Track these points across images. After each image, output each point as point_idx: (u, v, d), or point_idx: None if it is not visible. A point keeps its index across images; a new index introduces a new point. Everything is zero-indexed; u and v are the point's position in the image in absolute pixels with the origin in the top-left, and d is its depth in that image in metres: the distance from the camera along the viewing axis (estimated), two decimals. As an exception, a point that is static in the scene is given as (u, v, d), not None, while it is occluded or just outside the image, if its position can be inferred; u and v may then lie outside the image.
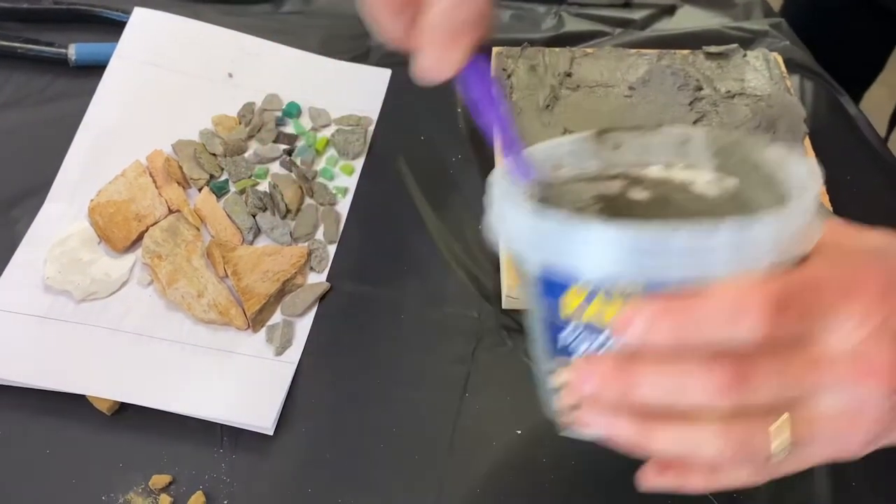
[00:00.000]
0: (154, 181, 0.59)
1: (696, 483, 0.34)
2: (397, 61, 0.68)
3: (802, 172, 0.33)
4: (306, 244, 0.58)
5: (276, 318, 0.55)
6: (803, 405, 0.31)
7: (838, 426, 0.31)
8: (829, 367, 0.30)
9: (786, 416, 0.31)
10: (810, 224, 0.31)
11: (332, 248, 0.58)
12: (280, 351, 0.53)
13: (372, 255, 0.58)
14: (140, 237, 0.57)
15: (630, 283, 0.30)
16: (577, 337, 0.33)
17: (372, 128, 0.64)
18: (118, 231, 0.57)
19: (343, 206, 0.60)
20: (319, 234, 0.58)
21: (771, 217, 0.29)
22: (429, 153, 0.63)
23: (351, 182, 0.61)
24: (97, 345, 0.52)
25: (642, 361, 0.31)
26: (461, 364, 0.52)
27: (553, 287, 0.32)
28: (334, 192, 0.60)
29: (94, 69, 0.65)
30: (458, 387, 0.51)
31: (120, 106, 0.63)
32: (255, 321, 0.54)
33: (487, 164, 0.62)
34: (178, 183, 0.59)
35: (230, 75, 0.65)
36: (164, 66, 0.65)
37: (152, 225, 0.57)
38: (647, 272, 0.30)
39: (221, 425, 0.50)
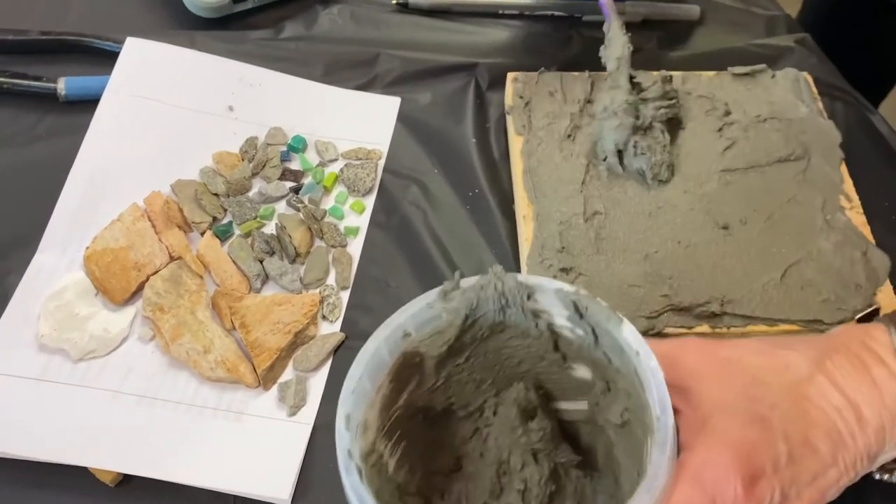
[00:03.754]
0: (153, 226, 0.56)
1: None
2: (405, 89, 0.65)
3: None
4: (317, 291, 0.54)
5: (288, 373, 0.51)
6: None
7: None
8: None
9: None
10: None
11: (344, 295, 0.55)
12: (294, 411, 0.49)
13: (387, 300, 0.54)
14: (140, 288, 0.53)
15: None
16: None
17: (382, 161, 0.61)
18: (116, 282, 0.53)
19: (355, 247, 0.57)
20: (331, 280, 0.55)
21: None
22: (443, 187, 0.60)
23: (362, 221, 0.58)
24: (97, 410, 0.48)
25: None
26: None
27: None
28: (345, 232, 0.57)
29: (86, 104, 0.61)
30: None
31: (114, 144, 0.59)
32: (266, 378, 0.50)
33: (505, 198, 0.59)
34: (178, 227, 0.56)
35: (230, 108, 0.62)
36: (160, 99, 0.61)
37: (153, 274, 0.54)
38: None
39: (234, 496, 0.46)
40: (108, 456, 0.46)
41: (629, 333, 0.38)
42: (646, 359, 0.37)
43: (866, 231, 0.55)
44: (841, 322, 0.51)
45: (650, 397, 0.37)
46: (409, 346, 0.41)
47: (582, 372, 0.44)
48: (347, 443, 0.36)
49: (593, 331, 0.40)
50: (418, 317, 0.41)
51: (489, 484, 0.43)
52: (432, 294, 0.41)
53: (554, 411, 0.46)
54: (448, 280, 0.41)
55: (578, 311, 0.40)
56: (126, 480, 0.47)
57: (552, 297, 0.41)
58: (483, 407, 0.46)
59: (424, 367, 0.42)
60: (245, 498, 0.46)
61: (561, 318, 0.41)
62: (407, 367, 0.41)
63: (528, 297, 0.41)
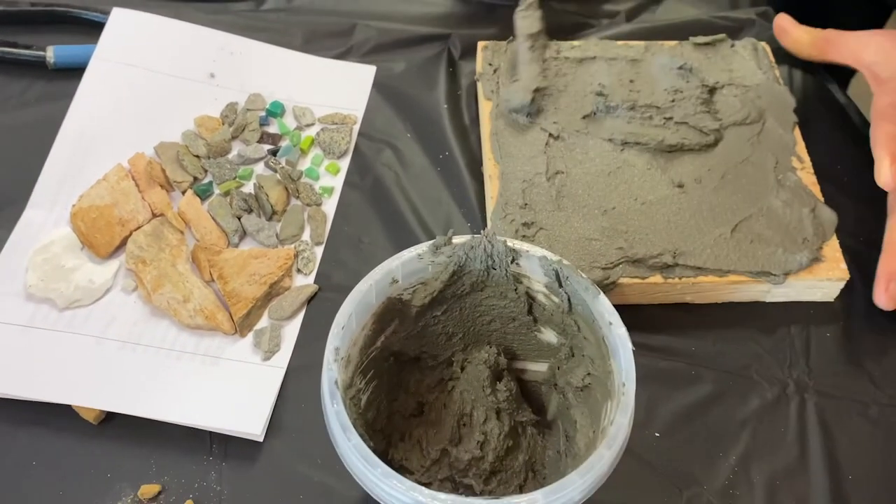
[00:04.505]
0: (137, 185, 0.58)
1: None
2: (381, 57, 0.67)
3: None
4: (293, 246, 0.57)
5: (264, 322, 0.54)
6: None
7: None
8: None
9: None
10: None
11: (318, 250, 0.57)
12: (268, 356, 0.52)
13: (359, 256, 0.57)
14: (123, 242, 0.56)
15: None
16: None
17: (357, 126, 0.63)
18: (101, 236, 0.56)
19: (329, 206, 0.59)
20: (306, 236, 0.58)
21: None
22: (415, 150, 0.62)
23: (337, 181, 0.61)
24: (82, 353, 0.51)
25: None
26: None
27: None
28: (320, 192, 0.60)
29: (74, 71, 0.64)
30: (449, 387, 0.50)
31: (100, 109, 0.62)
32: (243, 326, 0.53)
33: (473, 160, 0.62)
34: (161, 186, 0.58)
35: (212, 75, 0.64)
36: (144, 67, 0.64)
37: (136, 229, 0.56)
38: None
39: (210, 433, 0.49)
40: (91, 395, 0.49)
41: (604, 305, 0.41)
42: (616, 328, 0.40)
43: (816, 190, 0.58)
44: (787, 274, 0.53)
45: (616, 364, 0.40)
46: (394, 293, 0.43)
47: (548, 336, 0.47)
48: (335, 373, 0.39)
49: (569, 299, 0.43)
50: (408, 266, 0.43)
51: (449, 432, 0.46)
52: (424, 246, 0.44)
53: (515, 370, 0.49)
54: (440, 236, 0.44)
55: (559, 280, 0.43)
56: (109, 418, 0.49)
57: (535, 264, 0.43)
58: (451, 360, 0.48)
59: (405, 314, 0.45)
60: (221, 434, 0.49)
61: (539, 284, 0.44)
62: (389, 312, 0.44)
63: (513, 261, 0.44)
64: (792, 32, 0.66)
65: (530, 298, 0.45)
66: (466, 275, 0.45)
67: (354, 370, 0.42)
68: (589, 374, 0.43)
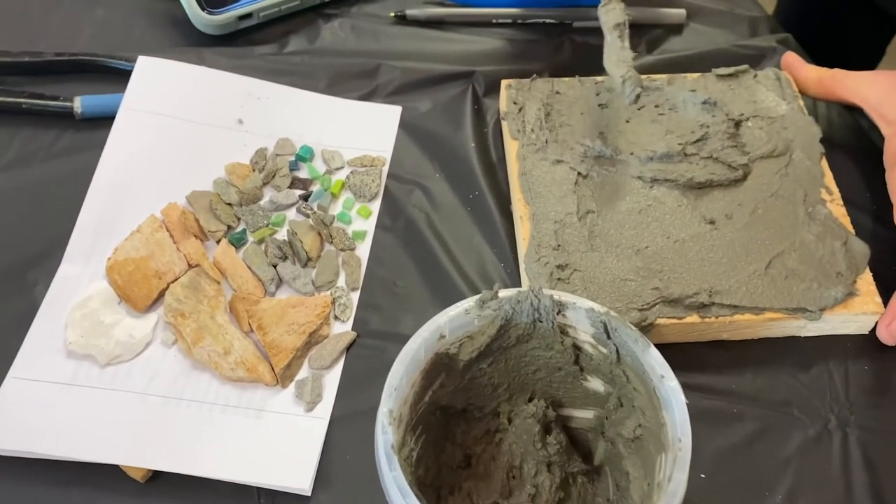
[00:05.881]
0: (171, 236, 0.59)
1: None
2: (406, 97, 0.68)
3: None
4: (329, 293, 0.57)
5: (304, 371, 0.54)
6: None
7: None
8: None
9: None
10: None
11: (354, 296, 0.58)
12: (311, 406, 0.52)
13: (395, 300, 0.57)
14: (161, 295, 0.56)
15: None
16: None
17: (386, 168, 0.64)
18: (139, 290, 0.56)
19: (363, 250, 0.60)
20: (341, 282, 0.58)
21: None
22: (445, 190, 0.63)
23: (369, 225, 0.61)
24: (126, 411, 0.51)
25: None
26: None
27: None
28: (353, 236, 0.60)
29: (101, 121, 0.64)
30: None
31: (130, 159, 0.62)
32: (284, 377, 0.53)
33: (503, 199, 0.62)
34: (195, 236, 0.59)
35: (240, 121, 0.65)
36: (172, 115, 0.64)
37: (173, 281, 0.57)
38: None
39: (258, 488, 0.49)
40: (137, 453, 0.49)
41: (655, 357, 0.41)
42: (668, 381, 0.40)
43: (846, 222, 0.58)
44: (823, 309, 0.54)
45: (669, 417, 0.40)
46: (441, 348, 0.44)
47: (595, 385, 0.47)
48: (391, 437, 0.39)
49: (617, 350, 0.43)
50: (455, 321, 0.44)
51: (499, 485, 0.46)
52: (471, 301, 0.44)
53: (561, 418, 0.49)
54: (486, 290, 0.44)
55: (607, 331, 0.43)
56: (155, 476, 0.50)
57: (582, 315, 0.44)
58: (497, 411, 0.49)
59: (452, 368, 0.45)
60: (268, 490, 0.49)
61: (586, 335, 0.45)
62: (436, 367, 0.44)
63: (558, 313, 0.44)
64: (799, 71, 0.66)
65: (577, 349, 0.45)
66: (513, 328, 0.45)
67: (405, 428, 0.42)
68: (640, 425, 0.43)
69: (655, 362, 0.41)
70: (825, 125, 0.65)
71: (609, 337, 0.43)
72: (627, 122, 0.62)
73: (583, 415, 0.49)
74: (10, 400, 0.51)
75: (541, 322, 0.44)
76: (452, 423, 0.48)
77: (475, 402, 0.48)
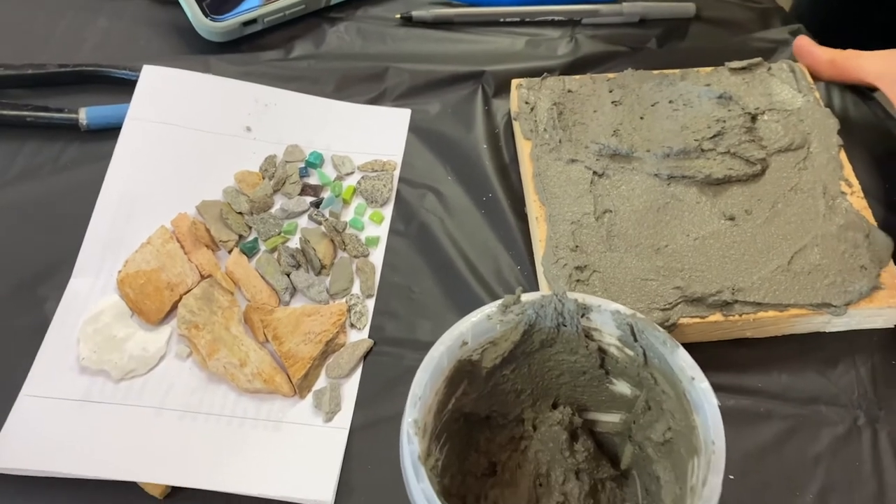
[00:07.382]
0: (182, 246, 0.58)
1: None
2: (416, 100, 0.67)
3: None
4: (344, 300, 0.56)
5: (322, 381, 0.53)
6: None
7: None
8: None
9: None
10: None
11: (370, 303, 0.57)
12: (330, 417, 0.51)
13: (411, 306, 0.56)
14: (174, 307, 0.55)
15: None
16: None
17: (397, 172, 0.63)
18: (151, 302, 0.55)
19: (377, 256, 0.59)
20: (356, 289, 0.57)
21: None
22: (457, 193, 0.62)
23: (382, 230, 0.60)
24: (142, 426, 0.51)
25: None
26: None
27: None
28: (366, 242, 0.59)
29: (107, 132, 0.63)
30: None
31: (138, 169, 0.61)
32: (302, 387, 0.52)
33: (517, 201, 0.61)
34: (206, 246, 0.58)
35: (248, 129, 0.64)
36: (179, 124, 0.63)
37: (185, 293, 0.56)
38: None
39: (279, 501, 0.48)
40: (155, 469, 0.48)
41: (684, 358, 0.40)
42: (699, 383, 0.39)
43: (867, 214, 0.57)
44: (848, 304, 0.53)
45: (701, 420, 0.39)
46: (463, 354, 0.43)
47: (622, 388, 0.46)
48: (417, 447, 0.38)
49: (644, 353, 0.42)
50: (477, 327, 0.43)
51: (526, 493, 0.45)
52: (493, 306, 0.43)
53: (587, 422, 0.48)
54: (507, 294, 0.43)
55: (633, 334, 0.42)
56: (174, 492, 0.49)
57: (607, 318, 0.43)
58: (521, 417, 0.48)
59: (475, 374, 0.44)
60: (290, 502, 0.48)
61: (611, 338, 0.44)
62: (459, 374, 0.43)
63: (583, 316, 0.43)
64: (812, 53, 0.65)
65: (602, 352, 0.44)
66: (536, 333, 0.44)
67: (430, 437, 0.41)
68: (670, 428, 0.42)
69: (685, 364, 0.40)
70: (841, 117, 0.64)
71: (636, 339, 0.42)
72: (642, 118, 0.61)
73: (609, 419, 0.48)
74: (24, 418, 0.50)
75: (565, 326, 0.43)
76: (476, 430, 0.47)
77: (499, 408, 0.47)
